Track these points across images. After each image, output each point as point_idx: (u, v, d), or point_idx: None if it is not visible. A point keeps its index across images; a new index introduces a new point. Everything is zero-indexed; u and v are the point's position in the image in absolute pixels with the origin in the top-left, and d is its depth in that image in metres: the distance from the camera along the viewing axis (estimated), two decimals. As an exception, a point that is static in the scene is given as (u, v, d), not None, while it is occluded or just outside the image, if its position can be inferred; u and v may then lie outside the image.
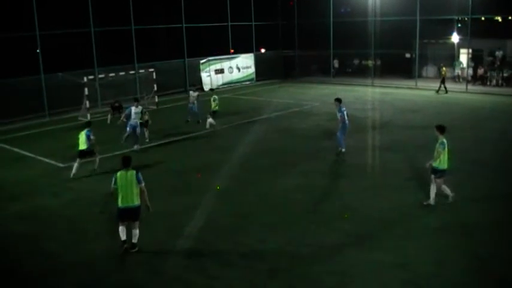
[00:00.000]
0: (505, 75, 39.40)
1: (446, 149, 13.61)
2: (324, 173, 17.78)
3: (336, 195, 15.49)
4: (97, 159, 18.67)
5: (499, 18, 44.12)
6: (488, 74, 40.25)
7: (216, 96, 25.35)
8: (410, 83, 39.06)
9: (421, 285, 10.19)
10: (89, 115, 28.73)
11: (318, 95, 36.13)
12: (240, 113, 27.35)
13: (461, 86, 38.34)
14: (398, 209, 14.13)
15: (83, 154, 18.27)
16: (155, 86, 31.15)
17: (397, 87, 38.07)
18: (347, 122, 19.38)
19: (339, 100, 19.56)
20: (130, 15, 34.04)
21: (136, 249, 11.93)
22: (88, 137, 18.02)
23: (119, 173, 11.93)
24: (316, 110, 30.26)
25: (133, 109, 21.87)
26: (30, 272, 11.38)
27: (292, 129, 25.32)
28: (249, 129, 25.42)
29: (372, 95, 35.55)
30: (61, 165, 19.91)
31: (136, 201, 11.90)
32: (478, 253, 11.42)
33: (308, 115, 28.76)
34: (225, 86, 40.28)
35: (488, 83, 39.67)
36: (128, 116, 21.95)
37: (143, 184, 11.94)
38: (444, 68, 36.92)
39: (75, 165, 18.05)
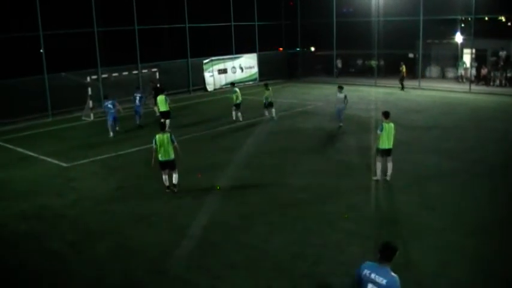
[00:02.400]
0: (509, 75, 39.32)
1: (383, 131, 15.82)
2: (328, 173, 17.75)
3: (340, 195, 15.46)
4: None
5: (503, 18, 44.05)
6: (492, 74, 40.16)
7: (236, 89, 27.12)
8: (414, 83, 38.98)
9: (425, 285, 10.19)
10: (92, 115, 28.77)
11: (321, 95, 36.12)
12: (244, 113, 27.30)
13: (465, 86, 38.27)
14: (401, 209, 14.13)
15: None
16: (158, 84, 31.12)
17: (400, 88, 37.95)
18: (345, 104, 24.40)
19: (340, 87, 24.93)
20: (134, 15, 34.03)
21: (177, 189, 15.90)
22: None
23: (157, 136, 15.53)
24: (320, 110, 30.27)
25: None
26: (34, 271, 11.40)
27: (296, 129, 25.33)
28: (254, 129, 25.46)
29: (375, 95, 35.52)
30: (64, 164, 19.94)
31: (172, 156, 15.65)
32: (482, 253, 11.40)
33: (312, 115, 28.77)
34: (228, 86, 40.24)
35: (491, 83, 39.58)
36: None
37: (176, 143, 15.73)
38: (404, 66, 37.59)
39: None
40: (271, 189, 16.28)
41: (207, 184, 16.76)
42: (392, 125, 16.19)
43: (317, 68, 47.13)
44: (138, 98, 26.67)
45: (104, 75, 30.99)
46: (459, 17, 41.31)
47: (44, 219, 14.43)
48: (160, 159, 15.64)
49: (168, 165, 15.78)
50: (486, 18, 42.63)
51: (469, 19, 39.98)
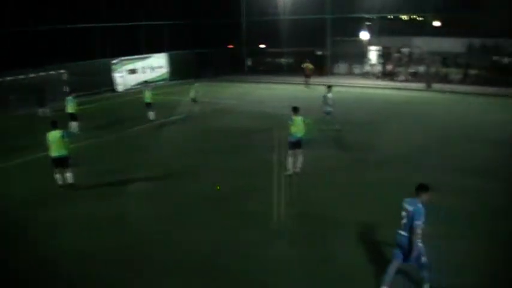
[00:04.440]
0: (412, 70, 41.18)
1: (293, 123, 16.77)
2: (244, 171, 17.75)
3: (255, 192, 15.45)
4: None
5: (405, 17, 45.95)
6: (396, 70, 41.90)
7: (148, 88, 27.25)
8: (323, 80, 39.87)
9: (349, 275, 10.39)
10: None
11: (233, 94, 36.23)
12: (159, 112, 26.88)
13: (372, 82, 39.71)
14: (315, 202, 14.38)
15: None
16: (67, 87, 30.03)
17: (310, 84, 38.68)
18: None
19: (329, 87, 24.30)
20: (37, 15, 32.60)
21: (76, 189, 15.87)
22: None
23: (49, 133, 15.60)
24: (232, 108, 30.32)
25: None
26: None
27: (210, 128, 25.20)
28: (168, 129, 25.20)
29: (286, 93, 36.04)
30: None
31: (64, 152, 15.75)
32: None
33: (225, 113, 28.75)
34: (139, 86, 39.46)
35: (396, 79, 41.26)
36: None
37: (67, 139, 15.82)
38: (307, 64, 38.61)
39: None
40: (186, 189, 16.05)
41: (124, 186, 16.33)
42: (301, 118, 16.99)
43: (228, 67, 47.19)
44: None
45: (9, 78, 29.55)
46: (365, 16, 42.74)
47: None
48: (52, 155, 15.66)
49: (61, 162, 15.74)
50: (390, 17, 44.33)
51: (374, 18, 41.53)
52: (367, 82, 40.06)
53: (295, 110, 17.14)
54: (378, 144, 20.95)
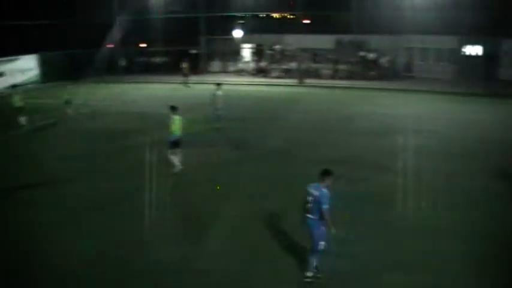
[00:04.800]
0: (285, 67, 42.50)
1: (174, 123, 16.73)
2: (120, 174, 17.40)
3: (134, 195, 15.21)
4: None
5: (277, 15, 47.35)
6: (269, 67, 43.05)
7: (17, 92, 26.37)
8: (198, 78, 40.09)
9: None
10: None
11: (109, 94, 35.45)
12: (31, 116, 25.50)
13: (247, 79, 40.50)
14: (195, 200, 14.47)
15: None
16: None
17: (188, 83, 38.68)
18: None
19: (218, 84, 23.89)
20: None
21: None
22: None
23: None
24: (109, 109, 29.59)
25: None
26: None
27: (85, 130, 24.39)
28: (38, 134, 24.08)
29: (163, 92, 35.81)
30: None
31: None
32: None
33: (101, 115, 27.94)
34: (8, 90, 37.29)
35: (269, 75, 42.37)
36: None
37: None
38: (185, 64, 38.80)
39: None
40: (61, 196, 15.45)
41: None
42: (179, 117, 17.03)
43: (101, 68, 45.89)
44: None
45: None
46: (237, 14, 43.51)
47: None
48: None
49: None
50: (262, 15, 45.47)
51: (247, 16, 42.40)
52: (242, 79, 40.84)
53: (174, 109, 17.18)
54: (257, 139, 21.54)
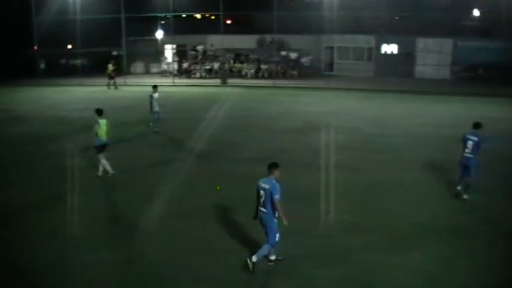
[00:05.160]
0: (207, 67, 42.62)
1: (99, 127, 16.24)
2: (45, 179, 16.92)
3: (61, 200, 14.83)
4: None
5: (198, 16, 47.34)
6: (192, 68, 43.03)
7: None
8: (120, 80, 39.42)
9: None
10: None
11: (27, 99, 34.26)
12: None
13: (170, 80, 40.30)
14: (124, 204, 14.33)
15: None
16: None
17: (110, 85, 38.01)
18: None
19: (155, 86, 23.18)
20: None
21: None
22: None
23: None
24: (26, 114, 28.36)
25: None
26: None
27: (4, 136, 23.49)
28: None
29: (84, 95, 34.99)
30: None
31: None
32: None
33: (18, 121, 26.68)
34: None
35: (193, 76, 42.36)
36: None
37: None
38: (110, 65, 38.32)
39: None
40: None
41: None
42: (105, 121, 16.56)
43: (16, 70, 44.18)
44: None
45: None
46: (159, 15, 43.21)
47: None
48: None
49: None
50: (184, 16, 45.32)
51: (168, 16, 42.18)
52: (165, 80, 40.55)
53: (99, 112, 16.69)
54: (187, 141, 21.49)
